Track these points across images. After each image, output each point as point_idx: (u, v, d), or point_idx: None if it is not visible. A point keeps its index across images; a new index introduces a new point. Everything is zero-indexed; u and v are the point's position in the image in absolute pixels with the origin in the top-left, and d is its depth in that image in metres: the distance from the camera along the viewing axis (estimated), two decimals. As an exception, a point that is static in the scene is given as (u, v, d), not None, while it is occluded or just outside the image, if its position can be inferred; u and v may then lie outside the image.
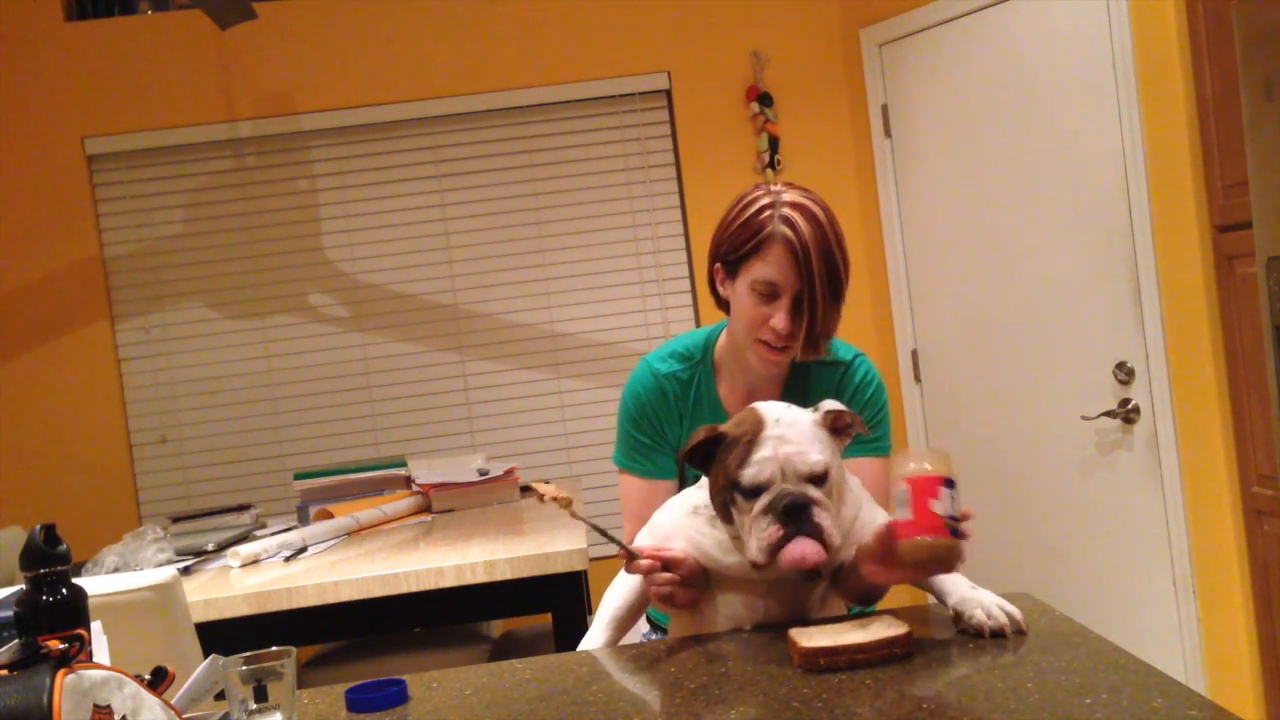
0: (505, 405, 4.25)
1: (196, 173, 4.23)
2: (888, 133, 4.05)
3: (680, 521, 1.74)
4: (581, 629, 2.58)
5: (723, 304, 2.00)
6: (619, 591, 1.77)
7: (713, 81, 4.23)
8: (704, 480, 1.74)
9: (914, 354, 4.03)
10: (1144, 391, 3.31)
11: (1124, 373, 3.35)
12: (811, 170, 4.12)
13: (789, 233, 1.83)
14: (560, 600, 2.58)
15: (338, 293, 4.24)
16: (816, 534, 1.57)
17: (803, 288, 1.84)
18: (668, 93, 4.25)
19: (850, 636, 1.50)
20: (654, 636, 2.13)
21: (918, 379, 4.01)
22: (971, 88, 3.71)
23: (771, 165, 4.19)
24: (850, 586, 1.72)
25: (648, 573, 1.67)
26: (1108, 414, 3.37)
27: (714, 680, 1.50)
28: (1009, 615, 1.57)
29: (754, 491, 1.60)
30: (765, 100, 4.20)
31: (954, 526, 1.50)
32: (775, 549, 1.58)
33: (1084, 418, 3.41)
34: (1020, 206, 3.59)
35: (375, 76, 4.20)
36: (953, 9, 3.72)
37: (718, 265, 1.95)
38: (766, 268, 1.85)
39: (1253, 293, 2.76)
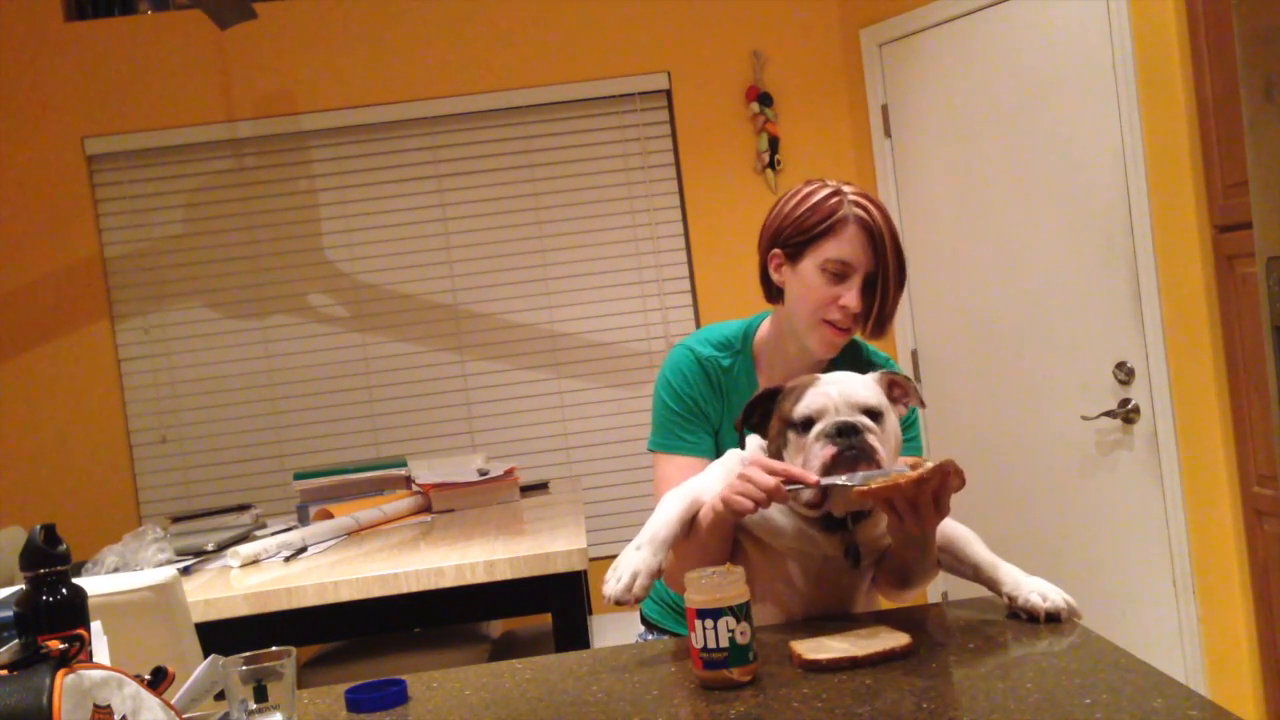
0: (505, 405, 4.25)
1: (196, 173, 4.23)
2: (888, 133, 4.05)
3: (736, 472, 1.72)
4: (582, 629, 2.59)
5: (773, 293, 2.01)
6: (666, 519, 1.70)
7: (713, 81, 4.23)
8: (730, 452, 1.80)
9: (914, 354, 4.03)
10: (1144, 391, 3.31)
11: (1124, 373, 3.35)
12: (811, 170, 4.10)
13: (864, 214, 1.90)
14: (560, 600, 2.58)
15: (338, 293, 4.24)
16: (869, 455, 1.59)
17: (876, 268, 1.91)
18: (668, 93, 4.25)
19: (850, 648, 1.50)
20: (650, 637, 2.13)
21: (918, 379, 4.01)
22: (971, 88, 3.71)
23: (771, 165, 4.19)
24: (891, 572, 1.76)
25: (778, 475, 1.62)
26: (1108, 414, 3.37)
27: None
28: (1065, 600, 1.60)
29: (807, 424, 1.63)
30: (765, 100, 4.20)
31: (709, 659, 1.46)
32: (829, 469, 1.59)
33: (1084, 418, 3.41)
34: (1020, 206, 3.59)
35: (375, 76, 4.20)
36: (953, 9, 3.72)
37: (775, 251, 1.97)
38: (840, 247, 1.90)
39: (1253, 293, 2.76)
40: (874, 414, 1.64)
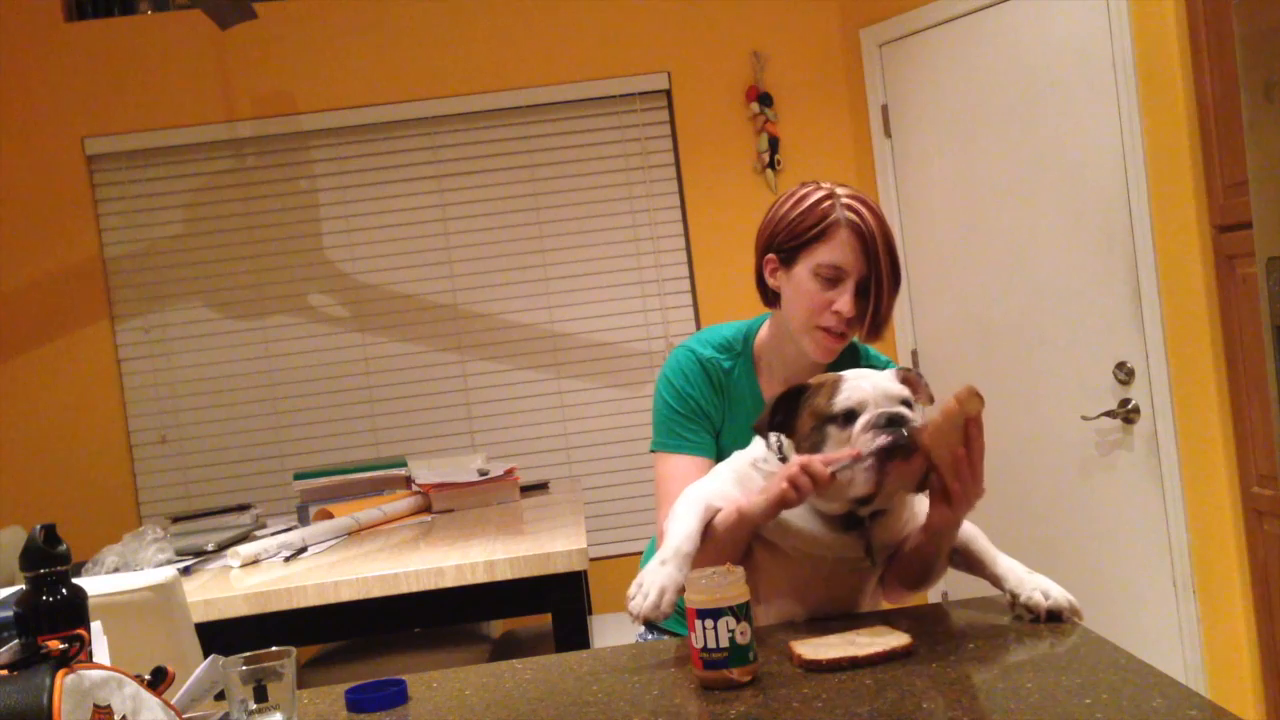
0: (505, 405, 4.25)
1: (196, 173, 4.23)
2: (888, 133, 4.05)
3: (746, 474, 1.74)
4: (582, 629, 2.59)
5: (769, 297, 2.01)
6: (688, 531, 1.68)
7: (713, 81, 4.23)
8: (737, 454, 1.80)
9: (914, 354, 4.03)
10: (1144, 391, 3.31)
11: (1124, 373, 3.35)
12: (811, 171, 4.11)
13: (855, 219, 1.89)
14: (560, 600, 2.58)
15: (338, 293, 4.24)
16: (918, 443, 1.61)
17: (869, 272, 1.90)
18: (668, 93, 4.25)
19: (851, 648, 1.50)
20: (650, 637, 2.13)
21: (918, 379, 4.01)
22: (971, 88, 3.71)
23: (771, 165, 4.19)
24: (908, 571, 1.76)
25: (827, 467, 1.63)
26: (1108, 414, 3.37)
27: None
28: (1066, 598, 1.61)
29: (849, 416, 1.63)
30: (765, 100, 4.20)
31: (709, 659, 1.46)
32: (884, 455, 1.59)
33: (1084, 418, 3.41)
34: (1020, 206, 3.59)
35: (375, 76, 4.20)
36: (953, 9, 3.72)
37: (770, 255, 1.97)
38: (832, 252, 1.89)
39: (1253, 293, 2.76)
40: (908, 404, 1.66)
